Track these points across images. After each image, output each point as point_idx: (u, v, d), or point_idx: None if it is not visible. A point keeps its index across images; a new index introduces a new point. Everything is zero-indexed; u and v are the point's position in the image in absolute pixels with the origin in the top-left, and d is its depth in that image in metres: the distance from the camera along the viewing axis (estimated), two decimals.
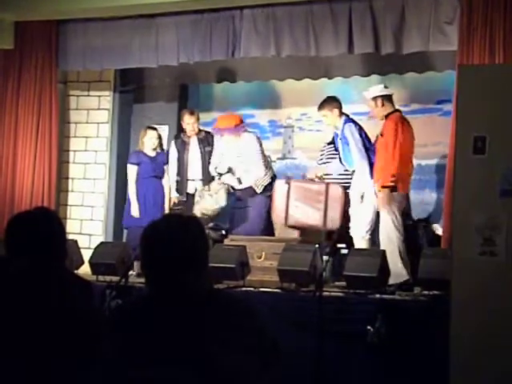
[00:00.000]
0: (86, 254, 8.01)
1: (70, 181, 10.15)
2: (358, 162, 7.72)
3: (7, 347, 3.15)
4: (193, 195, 8.78)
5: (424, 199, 8.95)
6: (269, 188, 8.41)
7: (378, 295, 6.59)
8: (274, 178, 8.50)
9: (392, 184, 7.31)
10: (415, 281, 6.91)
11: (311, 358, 5.62)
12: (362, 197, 7.65)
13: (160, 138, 9.23)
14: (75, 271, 6.78)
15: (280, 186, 8.28)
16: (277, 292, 6.99)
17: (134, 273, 7.76)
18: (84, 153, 10.10)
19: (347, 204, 7.83)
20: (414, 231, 7.75)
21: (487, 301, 4.74)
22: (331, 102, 7.97)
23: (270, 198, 8.36)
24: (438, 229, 7.83)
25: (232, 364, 2.67)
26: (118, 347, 2.75)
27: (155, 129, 9.09)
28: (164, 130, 9.73)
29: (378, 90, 7.64)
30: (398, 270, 7.11)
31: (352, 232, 7.64)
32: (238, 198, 8.62)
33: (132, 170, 9.02)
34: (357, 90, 8.74)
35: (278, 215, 8.28)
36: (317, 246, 7.18)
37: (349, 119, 7.95)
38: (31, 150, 9.69)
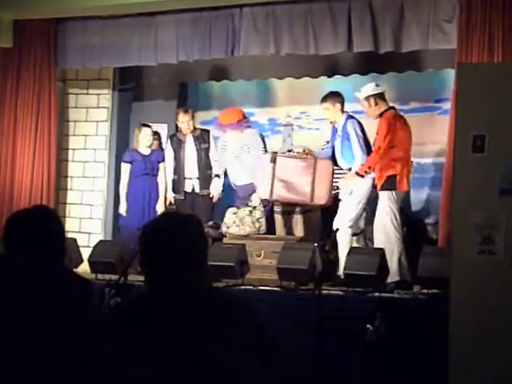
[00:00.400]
0: (85, 253, 8.02)
1: (69, 179, 10.14)
2: (360, 158, 7.69)
3: (7, 347, 3.15)
4: (191, 194, 8.78)
5: (423, 197, 8.95)
6: None
7: (377, 293, 6.60)
8: None
9: (363, 174, 7.42)
10: (414, 279, 6.92)
11: (310, 356, 5.61)
12: (351, 193, 7.64)
13: (156, 134, 9.21)
14: (74, 269, 6.76)
15: (265, 160, 8.17)
16: (276, 290, 7.00)
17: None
18: (83, 151, 10.10)
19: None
20: (413, 230, 7.76)
21: (486, 299, 4.73)
22: (335, 96, 7.93)
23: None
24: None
25: (232, 364, 2.67)
26: (117, 347, 2.75)
27: (149, 126, 9.07)
28: (163, 129, 9.73)
29: (370, 89, 7.62)
30: (396, 268, 7.11)
31: (335, 223, 7.53)
32: (238, 196, 8.61)
33: (125, 169, 9.00)
34: (356, 88, 8.73)
35: (262, 188, 8.12)
36: (316, 244, 7.18)
37: (351, 116, 7.94)
38: (30, 148, 9.68)
